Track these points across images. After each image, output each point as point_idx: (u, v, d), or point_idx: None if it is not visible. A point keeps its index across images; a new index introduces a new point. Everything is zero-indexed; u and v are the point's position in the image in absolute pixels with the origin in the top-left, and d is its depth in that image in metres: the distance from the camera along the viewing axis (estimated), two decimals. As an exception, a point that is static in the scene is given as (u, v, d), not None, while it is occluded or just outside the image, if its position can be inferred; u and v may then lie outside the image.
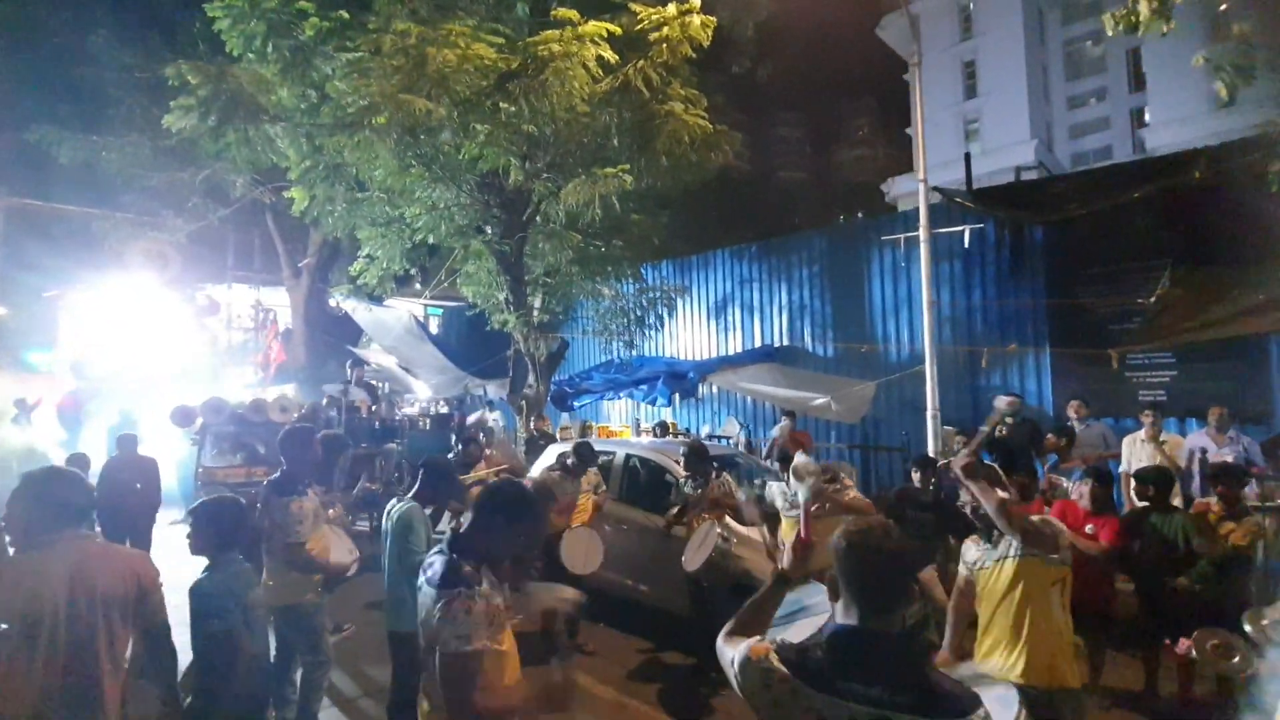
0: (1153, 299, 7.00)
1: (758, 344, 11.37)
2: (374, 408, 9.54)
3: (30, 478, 2.29)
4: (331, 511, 4.52)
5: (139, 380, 12.08)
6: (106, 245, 11.86)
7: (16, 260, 12.58)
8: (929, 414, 7.71)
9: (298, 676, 3.75)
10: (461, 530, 2.20)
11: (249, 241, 14.56)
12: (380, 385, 12.85)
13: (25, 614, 2.07)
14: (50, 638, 2.07)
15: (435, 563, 2.11)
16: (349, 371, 10.45)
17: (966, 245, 8.23)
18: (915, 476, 5.76)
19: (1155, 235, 7.15)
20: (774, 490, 4.12)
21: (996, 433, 6.65)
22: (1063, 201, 7.69)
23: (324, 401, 9.02)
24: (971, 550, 2.86)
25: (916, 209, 8.37)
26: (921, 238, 7.97)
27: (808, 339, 10.73)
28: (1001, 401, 3.92)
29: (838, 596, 1.47)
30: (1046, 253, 8.15)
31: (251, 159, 7.49)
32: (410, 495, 3.43)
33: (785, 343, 10.97)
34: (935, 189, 8.52)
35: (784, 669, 1.39)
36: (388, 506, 3.42)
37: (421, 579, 2.14)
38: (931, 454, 6.97)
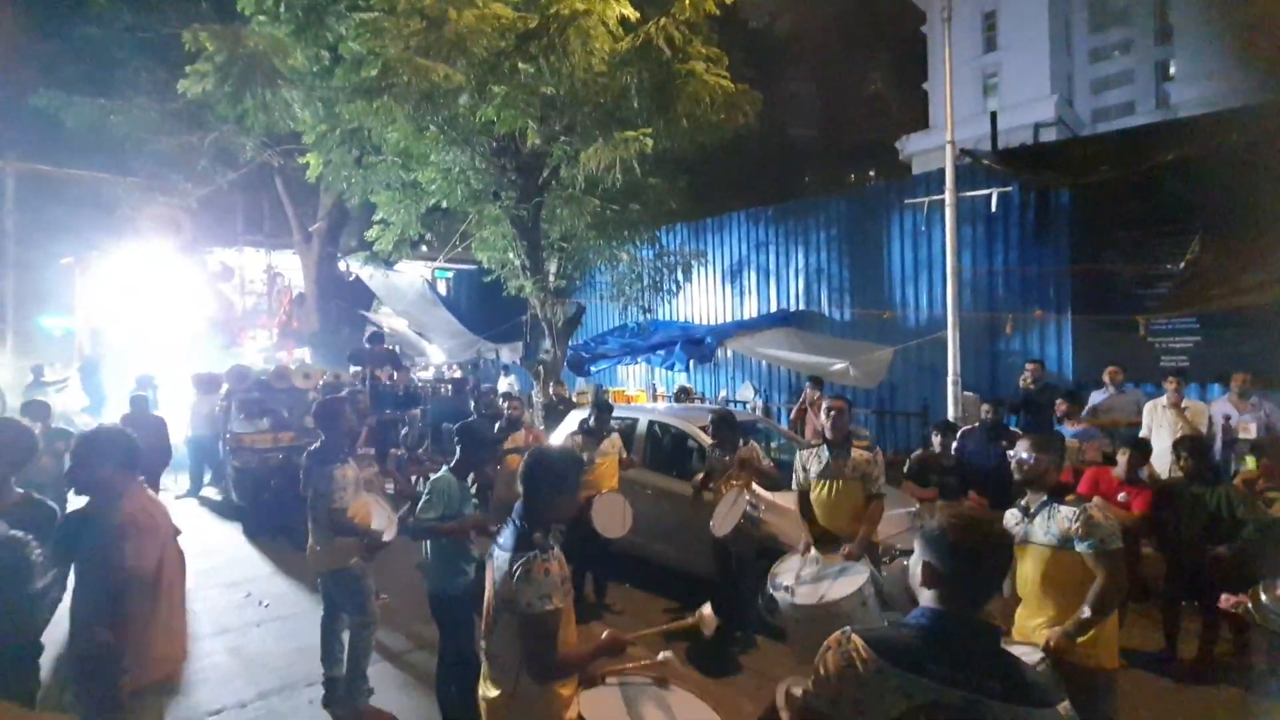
0: (1182, 265, 6.91)
1: (774, 309, 11.34)
2: (396, 375, 9.63)
3: (97, 434, 2.42)
4: (370, 470, 4.65)
5: (156, 345, 12.17)
6: (119, 211, 11.80)
7: (32, 226, 12.54)
8: (950, 379, 7.73)
9: (346, 637, 3.89)
10: (521, 498, 2.28)
11: (258, 205, 14.43)
12: (394, 348, 12.92)
13: (150, 559, 2.27)
14: (169, 579, 2.23)
15: (506, 530, 2.20)
16: (365, 340, 10.51)
17: (992, 209, 8.11)
18: (936, 441, 5.84)
19: (1186, 200, 7.02)
20: (806, 455, 4.14)
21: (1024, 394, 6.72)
22: (1092, 164, 7.54)
23: (349, 372, 9.11)
24: (1009, 521, 2.85)
25: (939, 171, 8.22)
26: (947, 201, 7.84)
27: (824, 304, 10.69)
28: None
29: (929, 584, 1.46)
30: (1073, 216, 8.03)
31: (269, 125, 7.38)
32: (452, 467, 3.51)
33: (802, 307, 10.93)
34: (964, 151, 8.34)
35: (870, 650, 1.39)
36: (437, 475, 3.49)
37: (493, 546, 2.24)
38: (952, 419, 7.03)
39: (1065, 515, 2.56)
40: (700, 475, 5.17)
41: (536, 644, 2.02)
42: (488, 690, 2.19)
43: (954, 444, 5.82)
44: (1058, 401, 6.27)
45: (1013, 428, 6.34)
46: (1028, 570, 2.65)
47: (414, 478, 8.08)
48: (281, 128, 7.69)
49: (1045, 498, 2.66)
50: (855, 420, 9.89)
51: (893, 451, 8.96)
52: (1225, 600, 3.10)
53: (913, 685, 1.34)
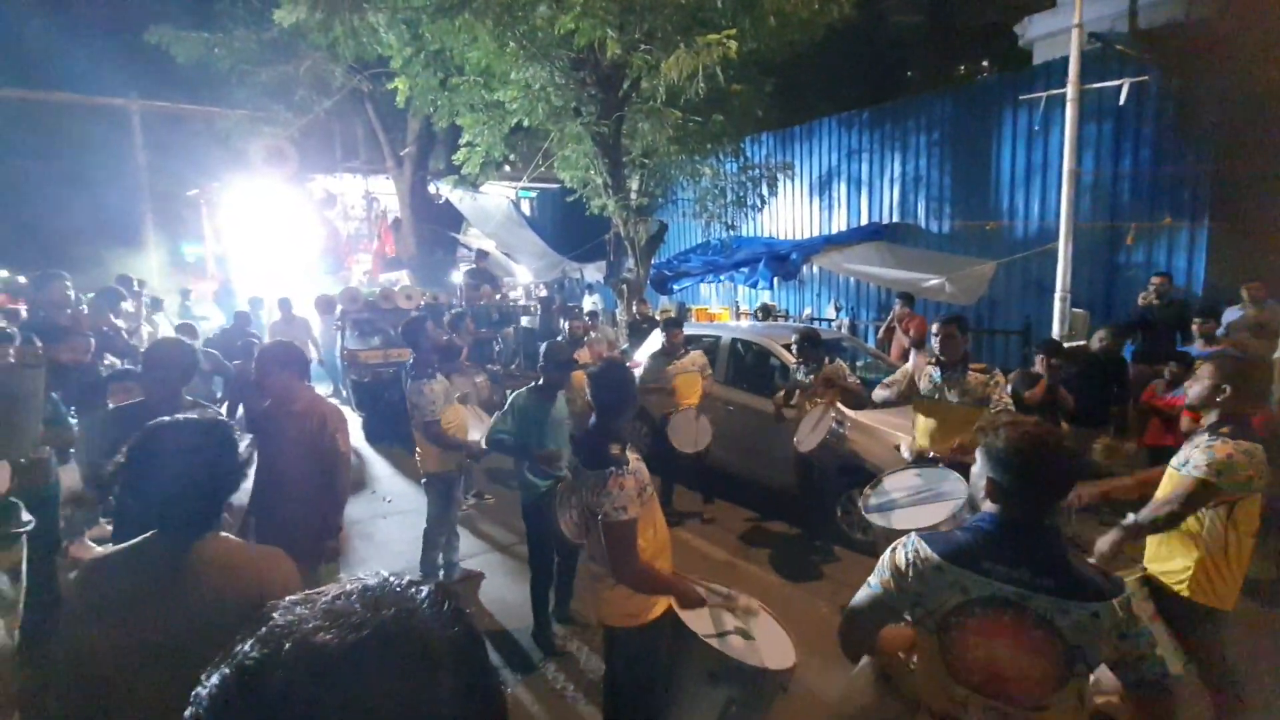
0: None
1: (865, 221, 10.79)
2: (497, 295, 10.07)
3: (274, 348, 2.96)
4: (479, 378, 5.04)
5: (275, 270, 13.27)
6: (231, 143, 12.59)
7: (161, 160, 13.68)
8: (1058, 295, 7.21)
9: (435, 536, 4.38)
10: (595, 415, 2.45)
11: (353, 132, 14.95)
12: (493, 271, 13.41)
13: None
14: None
15: (586, 447, 2.39)
16: (473, 261, 10.95)
17: (1121, 101, 7.19)
18: (1039, 362, 5.53)
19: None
20: (919, 371, 4.02)
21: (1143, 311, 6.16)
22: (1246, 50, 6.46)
23: (453, 291, 9.59)
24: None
25: (1062, 60, 7.32)
26: (1069, 95, 7.01)
27: (921, 214, 10.05)
28: None
29: (993, 498, 1.52)
30: (1220, 111, 6.99)
31: (358, 50, 7.56)
32: (537, 387, 3.73)
33: (896, 219, 10.34)
34: (1093, 35, 7.34)
35: (929, 550, 1.52)
36: (513, 395, 3.75)
37: (576, 460, 2.45)
38: (1057, 337, 6.62)
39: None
40: (782, 392, 5.23)
41: (616, 549, 2.23)
42: (593, 580, 2.46)
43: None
44: (1196, 319, 5.73)
45: (1127, 355, 5.88)
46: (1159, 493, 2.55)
47: (508, 391, 8.59)
48: (369, 53, 7.85)
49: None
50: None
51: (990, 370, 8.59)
52: None
53: (969, 580, 1.46)
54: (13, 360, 2.39)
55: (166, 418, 1.45)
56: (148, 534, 1.37)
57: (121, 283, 7.53)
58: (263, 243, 14.12)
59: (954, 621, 1.47)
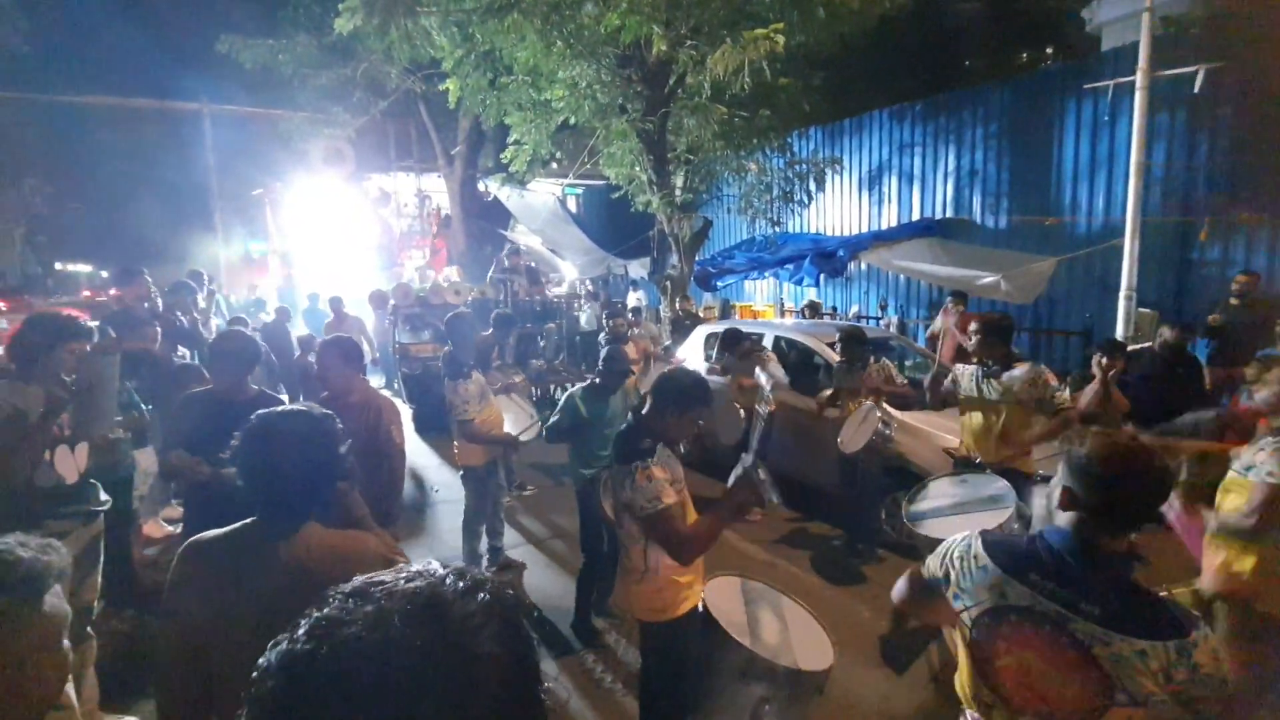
0: None
1: (916, 217, 10.50)
2: (533, 290, 10.24)
3: (333, 342, 3.08)
4: (518, 378, 5.16)
5: (333, 266, 13.81)
6: (293, 144, 13.16)
7: (229, 161, 14.40)
8: (1123, 294, 6.87)
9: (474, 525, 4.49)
10: (643, 411, 2.48)
11: (407, 132, 15.40)
12: (533, 264, 13.63)
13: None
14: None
15: (620, 439, 2.43)
16: (505, 260, 11.15)
17: (1197, 89, 6.77)
18: (1094, 362, 5.28)
19: None
20: (960, 372, 3.91)
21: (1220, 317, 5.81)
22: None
23: (491, 290, 9.82)
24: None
25: (1132, 46, 6.95)
26: (1138, 83, 6.66)
27: (976, 210, 9.71)
28: None
29: (1067, 508, 1.44)
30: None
31: (412, 53, 7.80)
32: (592, 386, 3.84)
33: (949, 215, 10.02)
34: (1164, 19, 6.95)
35: (984, 550, 1.50)
36: (571, 390, 3.83)
37: (611, 455, 2.49)
38: (1120, 338, 6.32)
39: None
40: (826, 392, 5.16)
41: (662, 536, 2.26)
42: (624, 574, 2.50)
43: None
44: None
45: (1200, 354, 5.54)
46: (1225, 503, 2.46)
47: (551, 385, 8.74)
48: (422, 55, 8.08)
49: None
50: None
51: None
52: None
53: (1010, 587, 1.43)
54: (88, 349, 2.57)
55: (277, 408, 1.50)
56: (249, 520, 1.42)
57: (193, 278, 7.98)
58: (322, 240, 14.71)
59: (986, 624, 1.45)
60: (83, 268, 30.75)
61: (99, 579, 2.80)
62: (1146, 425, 4.79)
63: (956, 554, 1.56)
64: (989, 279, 7.93)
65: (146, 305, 5.18)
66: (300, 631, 0.54)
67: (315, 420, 1.47)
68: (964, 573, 1.51)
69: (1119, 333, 6.75)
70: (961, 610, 1.51)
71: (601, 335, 7.41)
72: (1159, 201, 7.43)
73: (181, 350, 5.21)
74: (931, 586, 1.61)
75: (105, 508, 2.80)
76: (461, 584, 0.58)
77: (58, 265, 29.56)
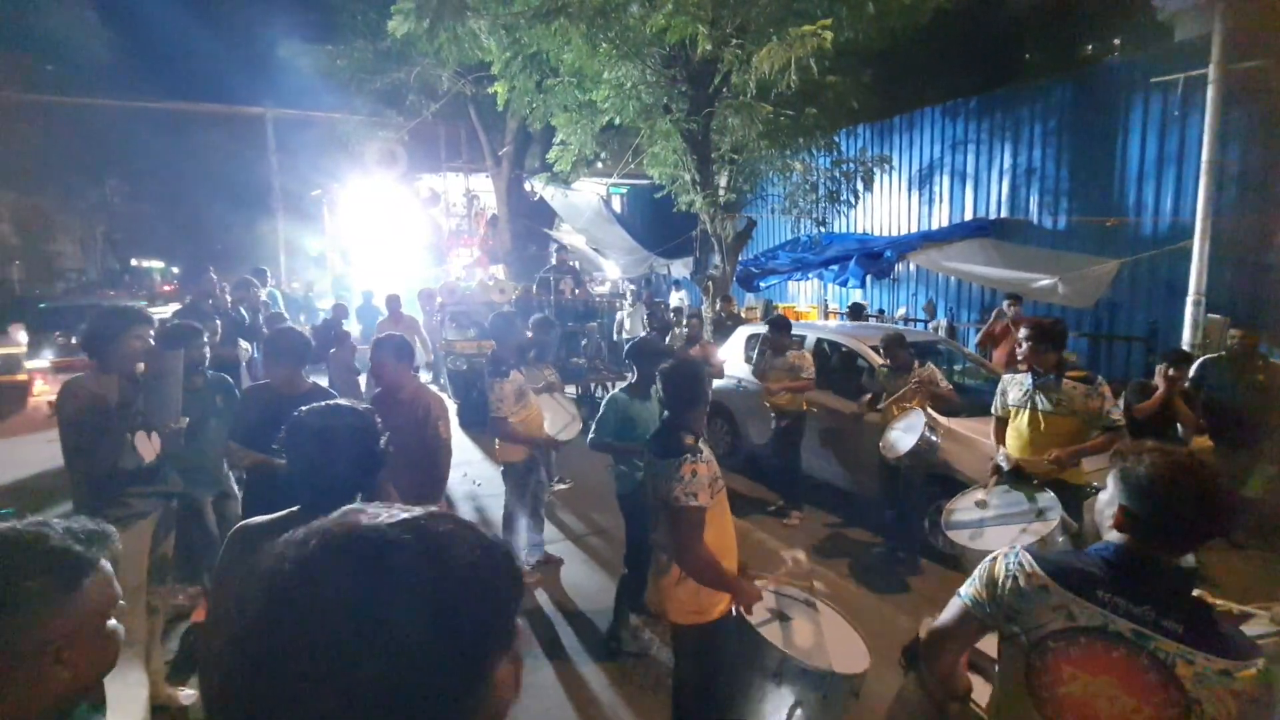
0: None
1: (969, 217, 10.18)
2: (576, 290, 10.35)
3: (385, 340, 3.19)
4: (549, 374, 5.25)
5: (386, 264, 14.26)
6: (350, 146, 13.65)
7: (289, 163, 15.04)
8: (1190, 299, 6.52)
9: (522, 538, 4.57)
10: (668, 409, 2.52)
11: (456, 133, 15.77)
12: (574, 264, 13.77)
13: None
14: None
15: (660, 439, 2.45)
16: (553, 258, 11.30)
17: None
18: (1159, 372, 5.03)
19: None
20: (1008, 381, 3.78)
21: None
22: None
23: (533, 288, 9.98)
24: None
25: (1205, 36, 6.57)
26: (1211, 75, 6.30)
27: (1033, 209, 9.35)
28: None
29: (1123, 529, 1.38)
30: None
31: (460, 56, 7.98)
32: (630, 385, 3.82)
33: (1004, 215, 9.69)
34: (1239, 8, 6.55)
35: (1037, 567, 1.41)
36: (612, 393, 3.85)
37: (649, 453, 2.51)
38: (1187, 347, 6.01)
39: None
40: (868, 396, 5.07)
41: (682, 535, 2.27)
42: (657, 574, 2.52)
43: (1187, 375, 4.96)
44: None
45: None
46: None
47: (593, 385, 8.82)
48: (471, 58, 8.26)
49: None
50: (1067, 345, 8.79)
51: (1107, 381, 7.89)
52: None
53: (1077, 607, 1.34)
54: (154, 342, 2.75)
55: (321, 404, 1.58)
56: (293, 508, 1.51)
57: (256, 275, 8.37)
58: (375, 239, 15.21)
59: (1052, 647, 1.36)
60: (156, 264, 32.62)
61: (171, 556, 2.99)
62: (1219, 439, 4.55)
63: (1000, 574, 1.45)
64: (1045, 281, 7.63)
65: (212, 301, 5.47)
66: (281, 549, 0.57)
67: (357, 415, 1.55)
68: (1019, 594, 1.40)
69: (1185, 339, 6.41)
70: (1016, 635, 1.41)
71: (667, 336, 7.44)
72: (1233, 202, 7.01)
73: (244, 344, 5.49)
74: (973, 616, 1.49)
75: (180, 490, 2.99)
76: (437, 516, 0.60)
77: (133, 261, 31.44)
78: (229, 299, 6.28)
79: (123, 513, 2.50)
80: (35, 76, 16.23)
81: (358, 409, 1.58)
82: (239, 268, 8.95)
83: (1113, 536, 1.41)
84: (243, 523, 1.57)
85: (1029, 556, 1.43)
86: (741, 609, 2.28)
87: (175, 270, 30.65)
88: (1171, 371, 4.57)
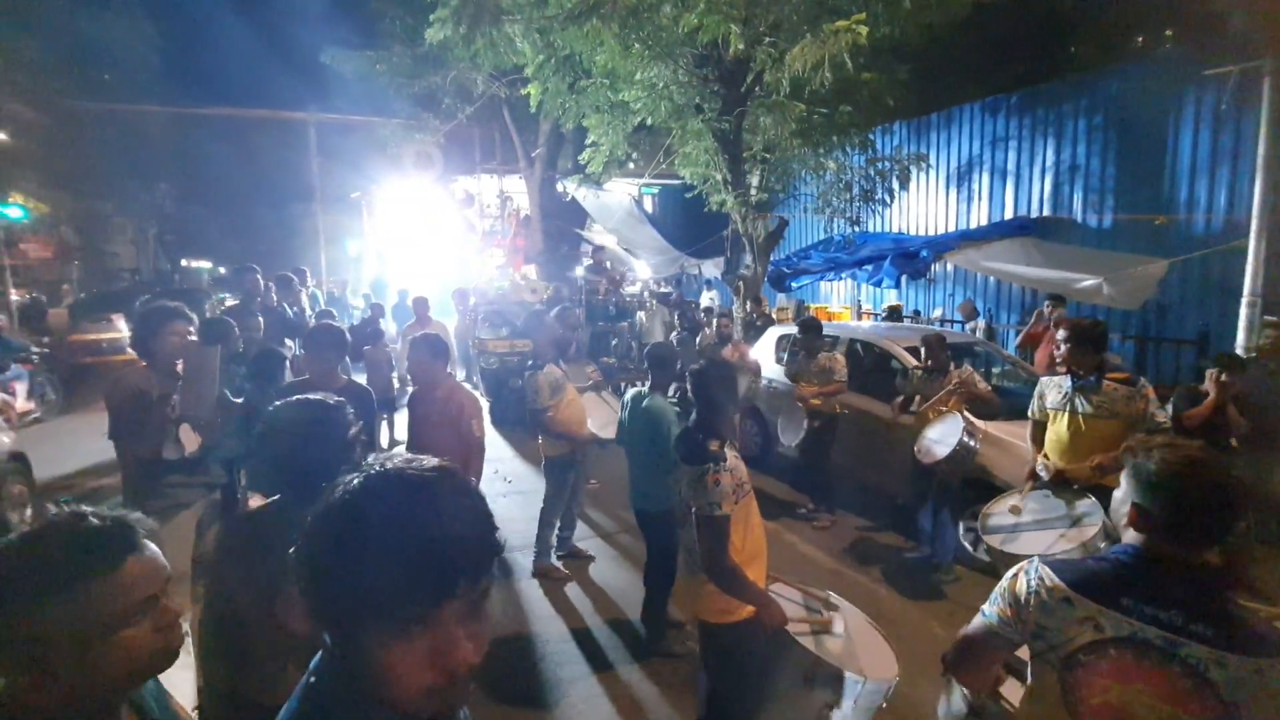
0: None
1: (1009, 215, 9.92)
2: (609, 290, 10.40)
3: (423, 340, 3.30)
4: (590, 369, 5.30)
5: (422, 264, 14.56)
6: (388, 150, 13.97)
7: (329, 167, 15.46)
8: (1245, 300, 6.25)
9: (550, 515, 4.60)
10: (695, 411, 2.50)
11: (491, 136, 16.00)
12: (607, 264, 13.82)
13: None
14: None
15: (686, 443, 2.46)
16: (589, 258, 11.37)
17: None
18: (1209, 377, 4.82)
19: None
20: (1046, 384, 3.67)
21: None
22: None
23: (565, 289, 10.06)
24: None
25: (1258, 27, 6.28)
26: (1269, 66, 6.03)
27: (1077, 207, 9.07)
28: None
29: (1138, 527, 1.36)
30: None
31: (496, 60, 8.10)
32: (648, 386, 3.72)
33: (1047, 213, 9.41)
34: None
35: (1057, 579, 1.37)
36: (627, 395, 3.84)
37: (675, 454, 2.51)
38: (1240, 351, 5.76)
39: None
40: (899, 398, 4.99)
41: (707, 542, 2.28)
42: (688, 575, 2.53)
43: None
44: None
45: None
46: None
47: (623, 384, 8.84)
48: (506, 61, 8.38)
49: None
50: (1109, 347, 8.48)
51: (1155, 387, 7.59)
52: None
53: (1104, 618, 1.31)
54: (194, 338, 2.87)
55: (293, 398, 1.70)
56: (274, 497, 1.60)
57: (298, 274, 8.62)
58: (411, 239, 15.53)
59: (1083, 661, 1.32)
60: (204, 264, 33.86)
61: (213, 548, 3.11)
62: (1255, 437, 4.35)
63: (1023, 590, 1.42)
64: (1089, 282, 7.38)
65: (259, 300, 5.65)
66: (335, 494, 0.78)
67: (327, 408, 1.65)
68: (1043, 610, 1.37)
69: (1239, 341, 6.14)
70: (1045, 650, 1.38)
71: (698, 338, 7.42)
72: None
73: (289, 342, 5.65)
74: (993, 638, 1.45)
75: (223, 481, 3.11)
76: (449, 468, 0.80)
77: (184, 262, 32.69)
78: (275, 297, 6.48)
79: (165, 503, 2.61)
80: (94, 86, 17.01)
81: (328, 402, 1.68)
82: (281, 268, 9.23)
83: (1130, 536, 1.38)
84: (243, 512, 1.67)
85: (1048, 569, 1.40)
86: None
87: (222, 270, 31.76)
88: (1224, 377, 4.39)
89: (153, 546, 1.02)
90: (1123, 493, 1.41)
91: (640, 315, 10.20)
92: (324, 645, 0.76)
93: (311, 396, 1.71)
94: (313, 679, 0.78)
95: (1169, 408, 4.60)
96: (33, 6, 14.80)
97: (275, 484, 1.63)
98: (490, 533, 0.77)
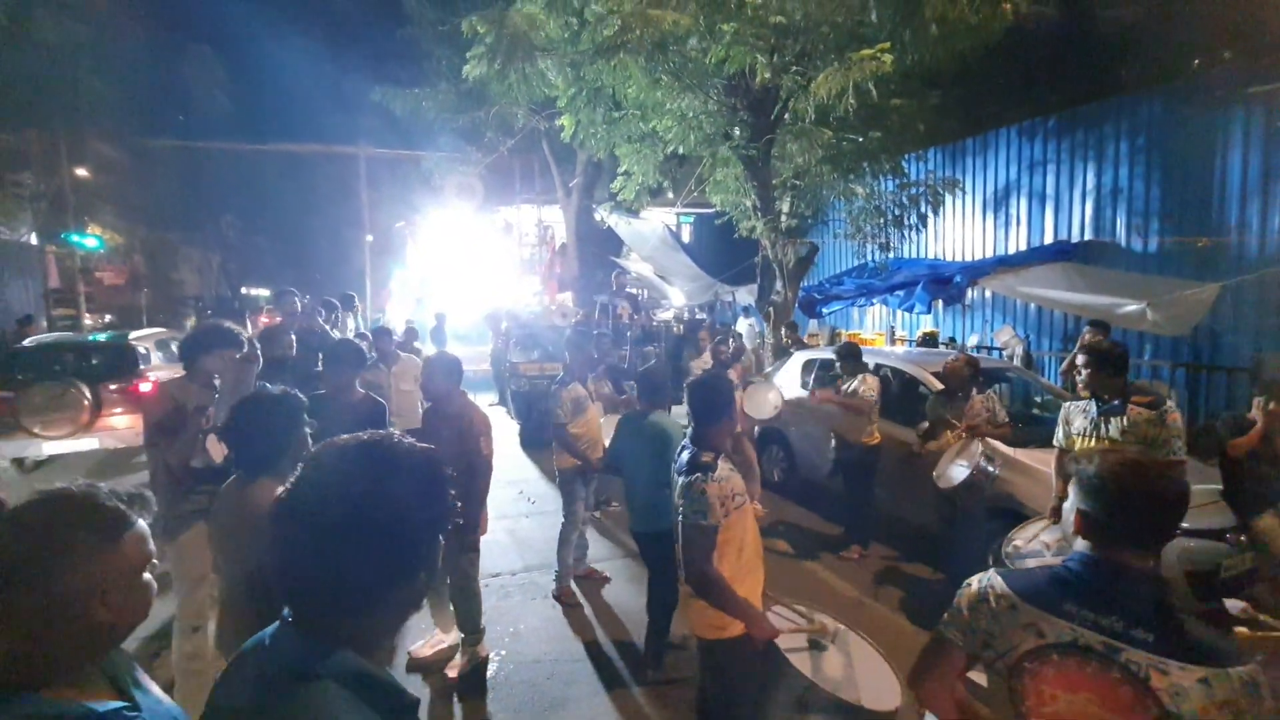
0: None
1: (1048, 240, 9.67)
2: (635, 315, 10.53)
3: (436, 359, 3.45)
4: (605, 388, 5.37)
5: (464, 290, 15.02)
6: (432, 181, 14.58)
7: (377, 197, 16.20)
8: (1300, 325, 5.92)
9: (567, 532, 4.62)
10: (690, 425, 2.54)
11: (530, 167, 16.55)
12: (640, 293, 13.98)
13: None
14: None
15: (682, 454, 2.49)
16: (614, 283, 11.55)
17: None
18: (1256, 405, 4.55)
19: None
20: (1071, 410, 3.56)
21: None
22: None
23: (595, 313, 10.23)
24: None
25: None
26: (1319, 85, 5.80)
27: (1120, 231, 8.79)
28: None
29: (1085, 534, 1.36)
30: None
31: (530, 94, 8.44)
32: (638, 409, 3.71)
33: (1088, 237, 9.14)
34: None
35: (1005, 587, 1.39)
36: (617, 420, 3.90)
37: (673, 469, 2.54)
38: (1295, 378, 5.43)
39: None
40: (923, 425, 4.88)
41: (689, 552, 2.29)
42: (684, 590, 2.53)
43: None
44: None
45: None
46: None
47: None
48: (539, 95, 8.71)
49: None
50: (1146, 374, 8.10)
51: (1205, 417, 7.22)
52: None
53: (1045, 623, 1.32)
54: (237, 357, 3.05)
55: (254, 392, 2.10)
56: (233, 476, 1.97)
57: (343, 301, 9.01)
58: (452, 266, 16.07)
59: (1028, 668, 1.33)
60: (262, 291, 35.62)
61: None
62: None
63: (973, 599, 1.42)
64: (1132, 307, 7.10)
65: (296, 321, 5.94)
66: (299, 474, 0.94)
67: (274, 401, 1.96)
68: (991, 618, 1.38)
69: (1296, 370, 5.79)
70: (994, 660, 1.38)
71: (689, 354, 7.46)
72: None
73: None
74: (953, 644, 1.44)
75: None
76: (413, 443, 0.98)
77: (244, 289, 34.47)
78: (320, 320, 6.80)
79: (191, 508, 2.76)
80: (168, 125, 18.36)
81: (277, 396, 1.98)
82: (331, 293, 9.68)
83: (1079, 545, 1.38)
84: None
85: (999, 578, 1.41)
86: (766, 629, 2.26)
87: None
88: (1272, 405, 4.15)
89: (144, 526, 1.12)
90: (1070, 501, 1.42)
91: (693, 366, 10.10)
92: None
93: (270, 389, 2.04)
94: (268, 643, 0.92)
95: (1199, 432, 4.39)
96: (116, 55, 16.13)
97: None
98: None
